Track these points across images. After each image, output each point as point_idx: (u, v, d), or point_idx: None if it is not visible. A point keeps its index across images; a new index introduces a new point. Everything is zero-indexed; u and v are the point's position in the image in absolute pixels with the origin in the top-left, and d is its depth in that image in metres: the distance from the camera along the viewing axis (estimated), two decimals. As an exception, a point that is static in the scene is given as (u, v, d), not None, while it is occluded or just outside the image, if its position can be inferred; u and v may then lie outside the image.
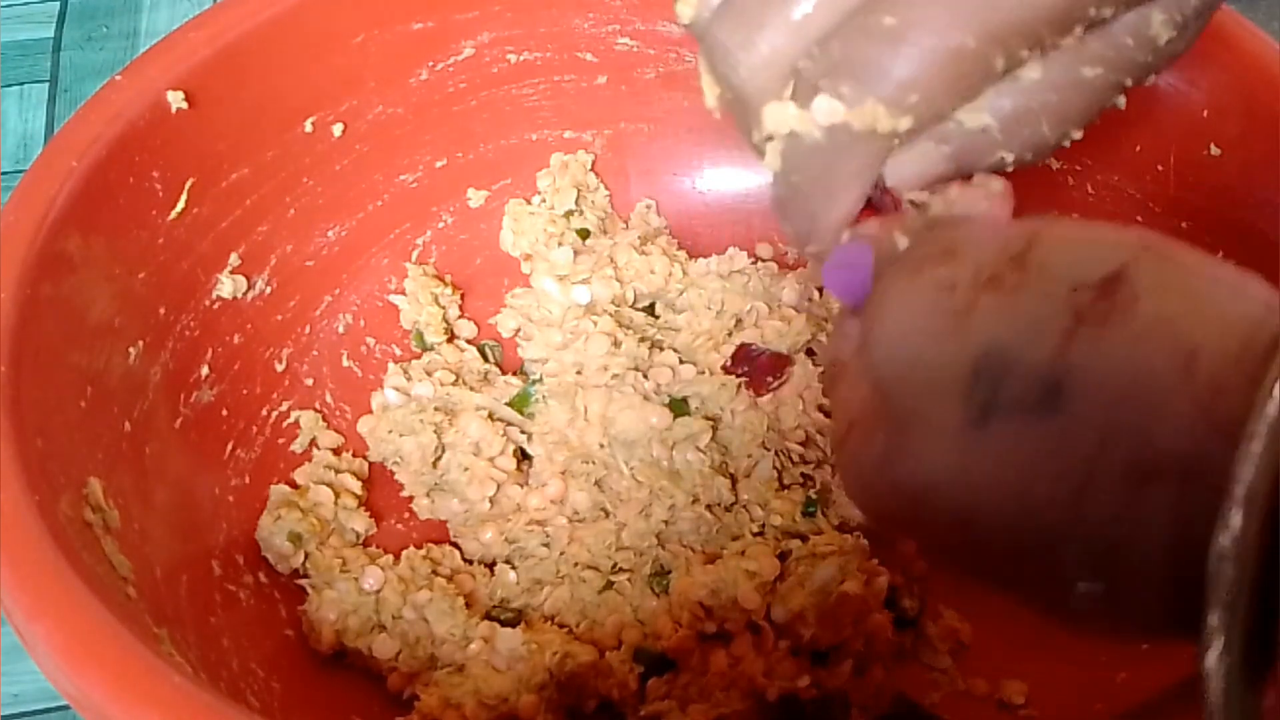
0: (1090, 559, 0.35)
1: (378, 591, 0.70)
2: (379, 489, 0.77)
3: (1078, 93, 0.46)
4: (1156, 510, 0.33)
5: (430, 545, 0.74)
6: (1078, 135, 0.48)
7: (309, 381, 0.78)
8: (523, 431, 0.77)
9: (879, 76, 0.42)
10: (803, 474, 0.75)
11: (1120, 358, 0.35)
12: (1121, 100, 0.48)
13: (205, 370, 0.71)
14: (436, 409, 0.77)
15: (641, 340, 0.78)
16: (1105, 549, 0.34)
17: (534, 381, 0.78)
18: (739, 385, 0.76)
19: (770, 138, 0.46)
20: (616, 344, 0.77)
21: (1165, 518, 0.33)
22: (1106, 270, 0.36)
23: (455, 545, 0.75)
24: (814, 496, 0.73)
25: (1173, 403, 0.33)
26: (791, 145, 0.45)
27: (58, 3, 1.18)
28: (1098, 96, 0.47)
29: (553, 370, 0.78)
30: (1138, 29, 0.45)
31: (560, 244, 0.83)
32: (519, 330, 0.82)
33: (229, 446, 0.73)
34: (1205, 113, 0.68)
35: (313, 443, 0.77)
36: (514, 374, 0.81)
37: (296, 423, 0.77)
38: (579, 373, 0.77)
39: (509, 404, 0.77)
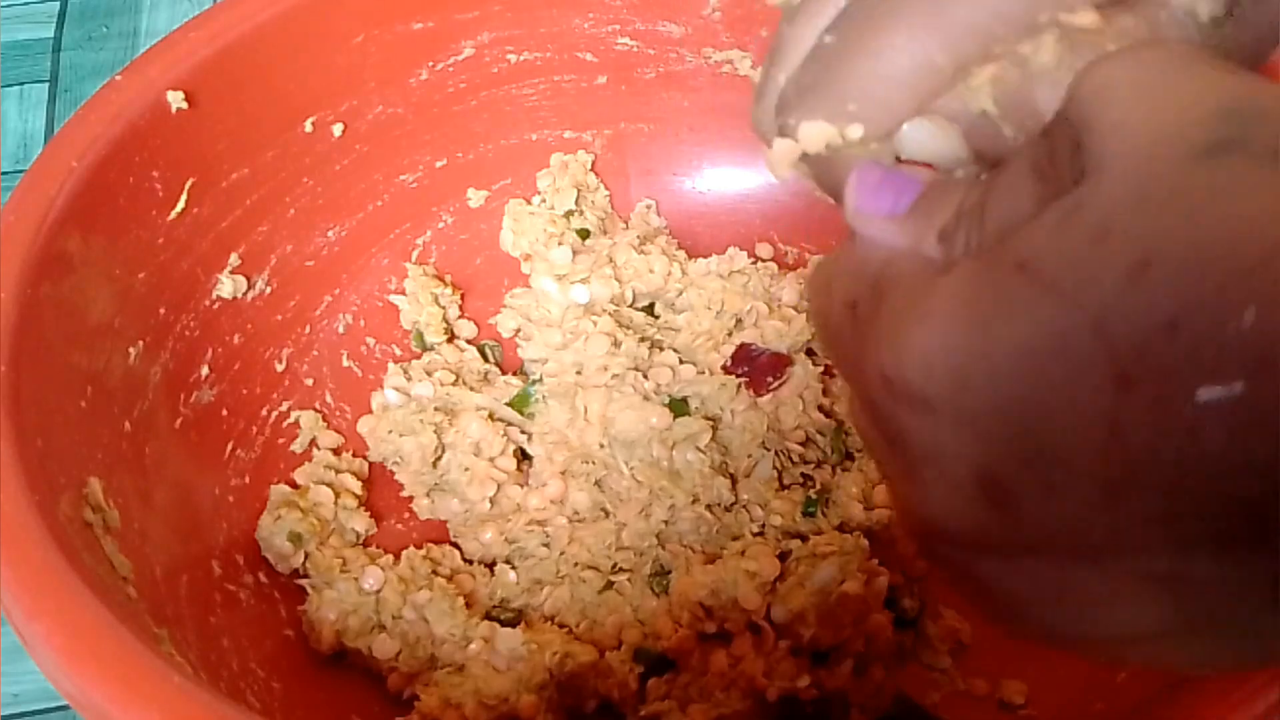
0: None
1: (378, 591, 0.70)
2: (379, 489, 0.77)
3: None
4: None
5: (430, 545, 0.74)
6: None
7: (309, 381, 0.78)
8: (523, 432, 0.77)
9: (809, 96, 0.44)
10: (803, 474, 0.75)
11: None
12: None
13: (205, 370, 0.71)
14: (437, 409, 0.77)
15: (641, 340, 0.78)
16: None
17: (534, 381, 0.78)
18: (739, 385, 0.76)
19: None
20: (616, 344, 0.77)
21: None
22: None
23: (455, 545, 0.75)
24: (814, 496, 0.73)
25: None
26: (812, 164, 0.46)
27: (58, 3, 1.18)
28: None
29: (552, 370, 0.78)
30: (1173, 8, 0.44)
31: (560, 244, 0.82)
32: (519, 330, 0.82)
33: (229, 446, 0.73)
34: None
35: (313, 443, 0.77)
36: (514, 374, 0.81)
37: (296, 423, 0.77)
38: (579, 373, 0.77)
39: (509, 404, 0.77)
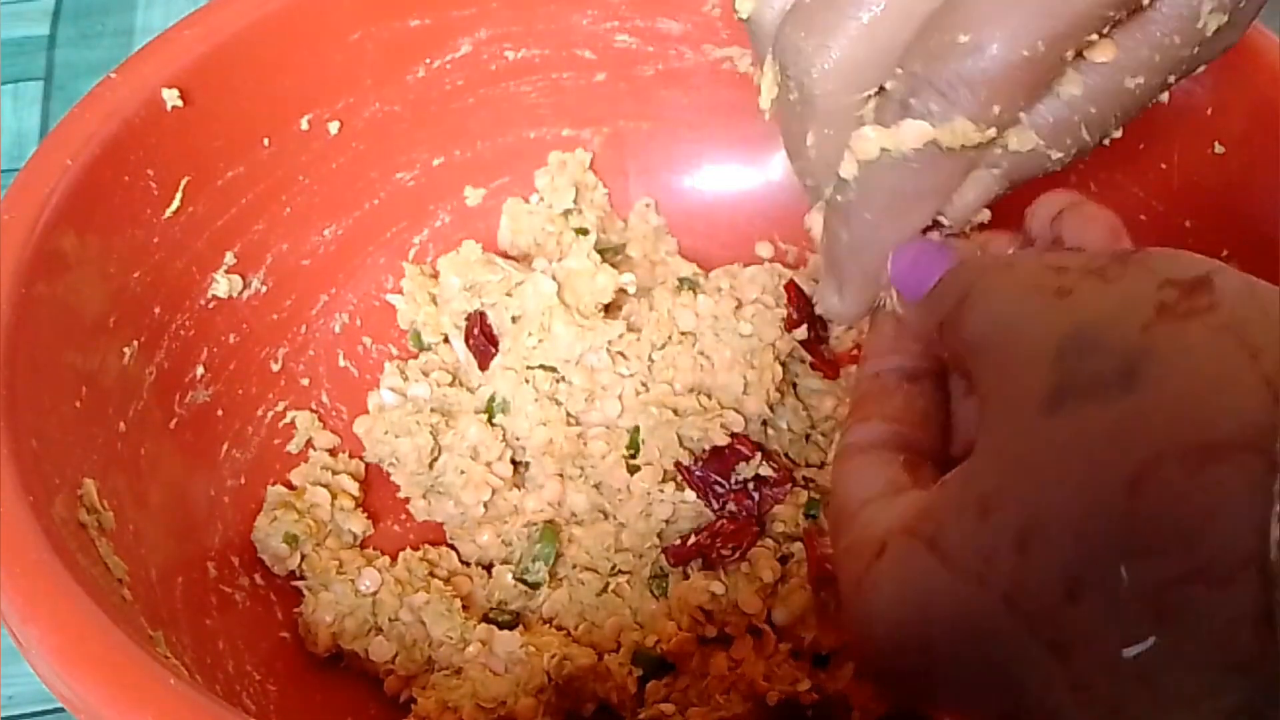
0: (1149, 551, 0.34)
1: (374, 593, 0.69)
2: (376, 490, 0.77)
3: (1119, 101, 0.46)
4: (1220, 486, 0.33)
5: (427, 547, 0.74)
6: (1118, 134, 0.48)
7: (305, 381, 0.78)
8: (516, 437, 0.77)
9: (964, 93, 0.43)
10: (804, 477, 0.75)
11: (1195, 345, 0.35)
12: (1165, 95, 0.48)
13: (200, 370, 0.71)
14: (433, 410, 0.77)
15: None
16: (1169, 535, 0.33)
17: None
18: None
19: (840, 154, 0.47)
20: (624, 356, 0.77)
21: (1231, 492, 0.32)
22: (1196, 274, 0.38)
23: (452, 547, 0.75)
24: (815, 499, 0.73)
25: (1241, 380, 0.34)
26: (871, 166, 0.46)
27: (52, 0, 1.18)
28: (1140, 100, 0.47)
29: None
30: (1184, 22, 0.45)
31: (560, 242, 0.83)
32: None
33: (224, 447, 0.73)
34: (1209, 110, 0.68)
35: (309, 443, 0.77)
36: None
37: (292, 423, 0.77)
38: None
39: (481, 411, 0.77)
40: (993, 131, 0.44)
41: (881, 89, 0.45)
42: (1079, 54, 0.44)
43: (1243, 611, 0.32)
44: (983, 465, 0.39)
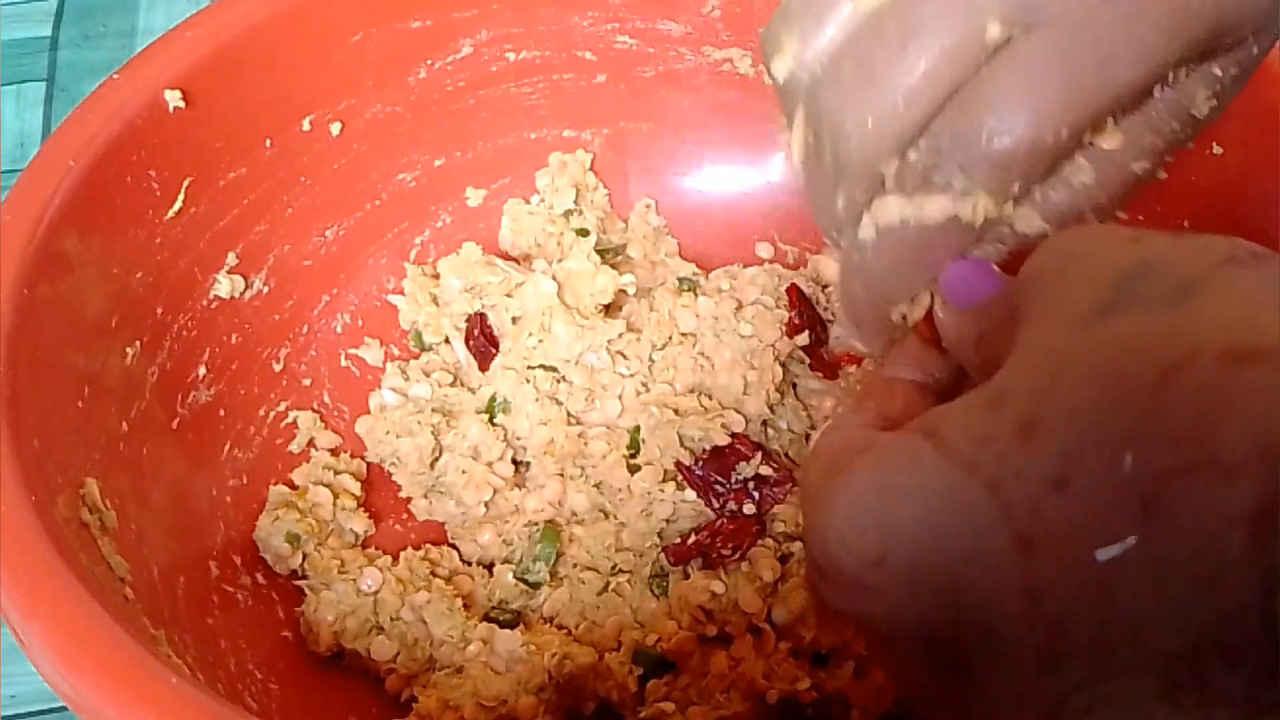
0: (1161, 440, 0.33)
1: (376, 593, 0.70)
2: (377, 489, 0.77)
3: (1124, 185, 0.47)
4: (1252, 384, 0.32)
5: (429, 546, 0.74)
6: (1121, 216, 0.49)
7: (307, 381, 0.78)
8: (517, 437, 0.77)
9: (987, 171, 0.44)
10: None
11: (1254, 281, 0.36)
12: (1162, 173, 0.49)
13: (202, 370, 0.71)
14: (434, 410, 0.77)
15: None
16: (1187, 425, 0.33)
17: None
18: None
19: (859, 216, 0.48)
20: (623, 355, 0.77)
21: (1260, 389, 0.32)
22: (1259, 250, 0.38)
23: (453, 546, 0.75)
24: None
25: None
26: (889, 231, 0.47)
27: (55, 1, 1.18)
28: (1140, 182, 0.48)
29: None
30: (1181, 109, 0.47)
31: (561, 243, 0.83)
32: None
33: (226, 447, 0.73)
34: (1207, 112, 0.68)
35: (310, 443, 0.77)
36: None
37: (294, 423, 0.77)
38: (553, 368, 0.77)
39: (481, 411, 0.77)
40: (1010, 206, 0.45)
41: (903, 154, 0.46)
42: (1089, 141, 0.45)
43: (1240, 509, 0.31)
44: (1005, 371, 0.38)
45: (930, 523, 0.37)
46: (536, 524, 0.73)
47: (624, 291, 0.79)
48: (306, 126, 0.75)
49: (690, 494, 0.73)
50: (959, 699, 0.38)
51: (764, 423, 0.77)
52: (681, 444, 0.73)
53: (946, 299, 0.48)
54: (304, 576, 0.71)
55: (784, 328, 0.77)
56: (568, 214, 0.84)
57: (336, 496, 0.74)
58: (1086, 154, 0.46)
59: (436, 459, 0.76)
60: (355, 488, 0.75)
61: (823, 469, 0.44)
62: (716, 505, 0.73)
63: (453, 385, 0.79)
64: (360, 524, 0.74)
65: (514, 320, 0.79)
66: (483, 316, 0.79)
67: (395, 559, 0.73)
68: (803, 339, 0.77)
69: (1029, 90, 0.43)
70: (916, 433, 0.40)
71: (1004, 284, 0.47)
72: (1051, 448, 0.35)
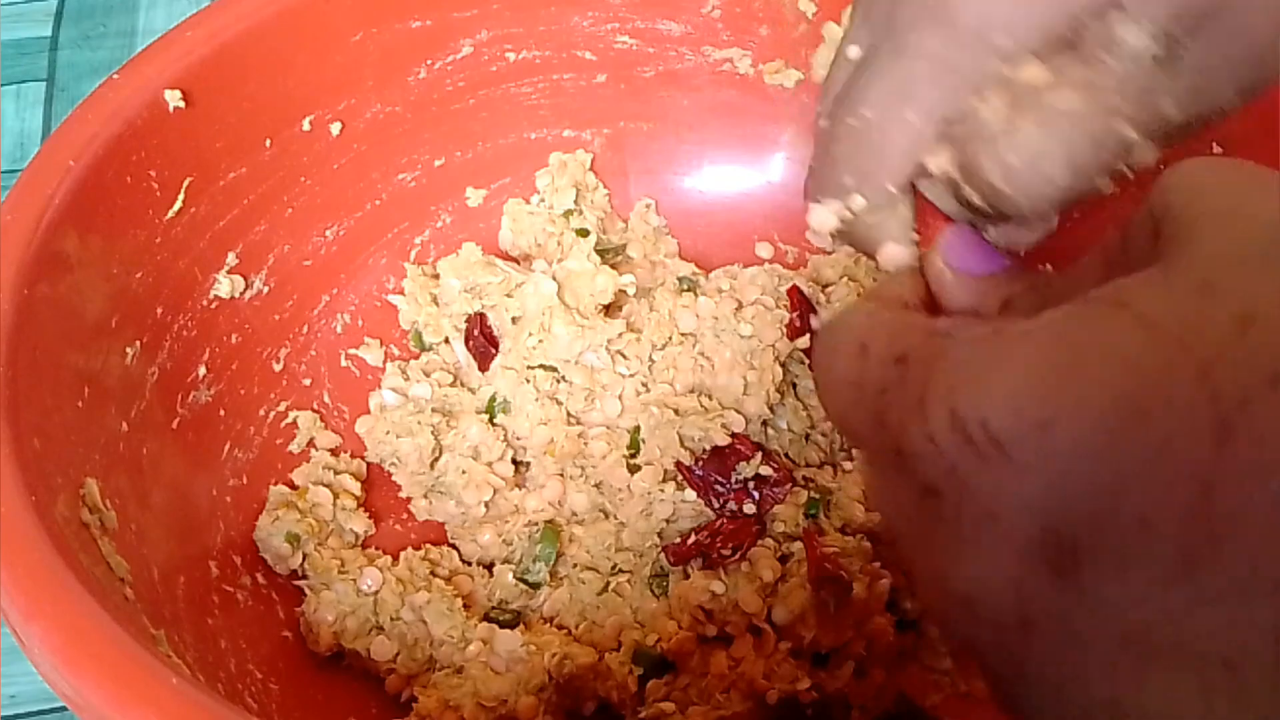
0: None
1: (376, 593, 0.70)
2: (377, 489, 0.77)
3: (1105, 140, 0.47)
4: None
5: (429, 546, 0.75)
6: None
7: (307, 381, 0.79)
8: (517, 437, 0.77)
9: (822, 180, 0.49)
10: (804, 477, 0.75)
11: None
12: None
13: (203, 370, 0.71)
14: (434, 410, 0.77)
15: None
16: None
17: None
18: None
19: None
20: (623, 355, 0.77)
21: None
22: None
23: (454, 546, 0.75)
24: (815, 498, 0.73)
25: None
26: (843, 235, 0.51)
27: (55, 2, 1.18)
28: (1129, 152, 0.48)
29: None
30: (1110, 43, 0.46)
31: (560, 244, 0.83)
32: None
33: (226, 447, 0.73)
34: (1207, 111, 0.68)
35: (310, 443, 0.77)
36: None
37: (294, 423, 0.77)
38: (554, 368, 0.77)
39: (482, 411, 0.77)
40: (859, 200, 0.49)
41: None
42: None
43: None
44: (1198, 258, 0.35)
45: (1122, 391, 0.34)
46: (536, 524, 0.73)
47: (624, 291, 0.79)
48: (306, 126, 0.75)
49: (690, 494, 0.73)
50: (1042, 604, 0.36)
51: (764, 423, 0.77)
52: (681, 444, 0.74)
53: (955, 266, 0.47)
54: (304, 576, 0.71)
55: (784, 328, 0.77)
56: (568, 214, 0.84)
57: (336, 496, 0.74)
58: (1001, 94, 0.46)
59: (436, 459, 0.76)
60: (355, 488, 0.75)
61: (856, 348, 0.43)
62: (716, 505, 0.73)
63: (453, 385, 0.79)
64: (360, 524, 0.74)
65: (514, 320, 0.78)
66: (482, 317, 0.79)
67: (395, 559, 0.73)
68: (804, 342, 0.77)
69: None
70: (1100, 304, 0.36)
71: (1005, 261, 0.47)
72: (1273, 346, 0.32)
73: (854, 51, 0.49)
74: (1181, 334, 0.33)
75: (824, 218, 0.50)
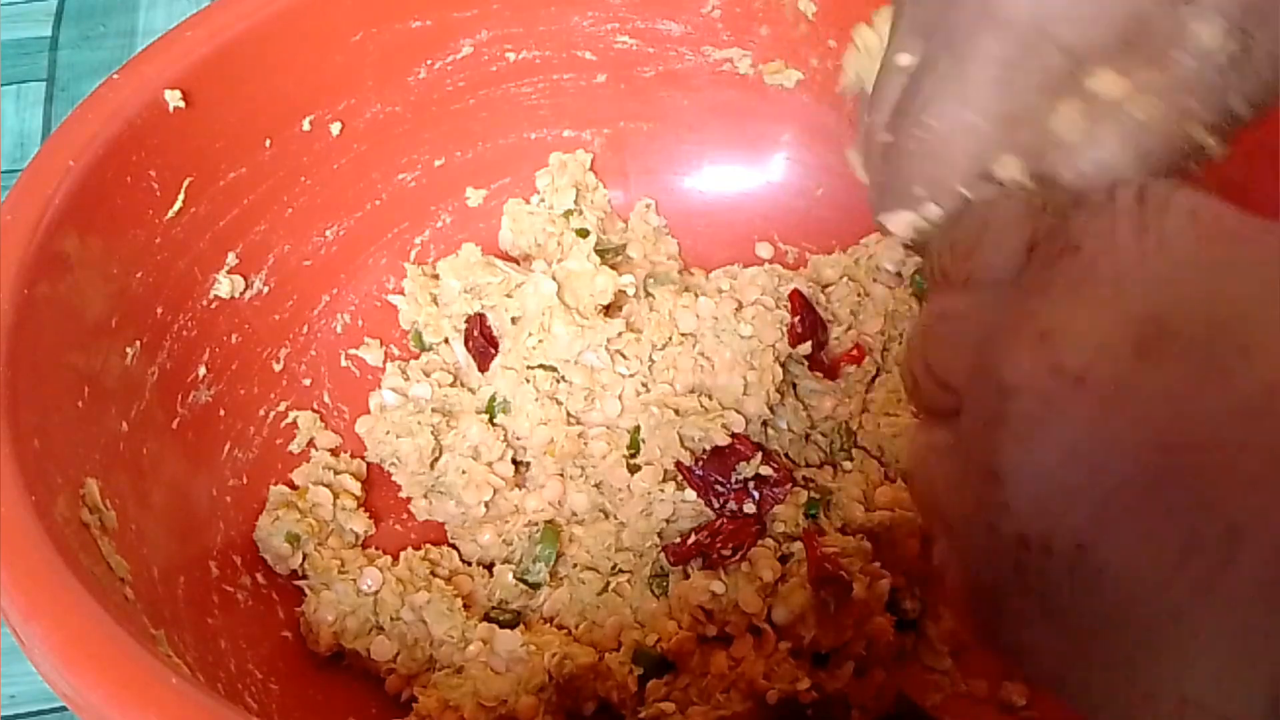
0: None
1: (376, 593, 0.70)
2: (377, 489, 0.78)
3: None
4: None
5: (429, 546, 0.75)
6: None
7: (307, 381, 0.79)
8: (517, 437, 0.77)
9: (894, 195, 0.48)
10: (804, 477, 0.75)
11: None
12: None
13: (203, 370, 0.71)
14: (434, 410, 0.77)
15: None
16: None
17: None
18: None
19: None
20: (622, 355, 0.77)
21: None
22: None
23: (454, 546, 0.75)
24: (815, 498, 0.73)
25: None
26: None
27: (55, 1, 1.18)
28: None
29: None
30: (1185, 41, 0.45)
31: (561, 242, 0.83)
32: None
33: (226, 447, 0.73)
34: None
35: (310, 443, 0.77)
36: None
37: (294, 423, 0.77)
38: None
39: (482, 411, 0.78)
40: (933, 209, 0.47)
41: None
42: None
43: None
44: None
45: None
46: (536, 524, 0.73)
47: (624, 291, 0.79)
48: (306, 126, 0.75)
49: (690, 494, 0.73)
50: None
51: (764, 423, 0.77)
52: (681, 444, 0.74)
53: None
54: (304, 576, 0.71)
55: (784, 329, 0.77)
56: (568, 214, 0.84)
57: (336, 496, 0.74)
58: (1075, 104, 0.45)
59: (436, 459, 0.76)
60: (355, 488, 0.76)
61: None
62: (716, 505, 0.73)
63: (453, 385, 0.79)
64: (360, 524, 0.74)
65: (514, 320, 0.79)
66: (482, 317, 0.79)
67: (395, 559, 0.73)
68: (805, 349, 0.77)
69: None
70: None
71: None
72: None
73: (905, 59, 0.48)
74: None
75: (901, 228, 0.49)
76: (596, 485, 0.74)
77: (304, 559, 0.71)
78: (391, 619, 0.69)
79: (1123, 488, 0.34)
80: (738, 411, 0.75)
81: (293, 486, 0.74)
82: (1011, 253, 0.42)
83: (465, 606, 0.70)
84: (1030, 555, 0.36)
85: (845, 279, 0.82)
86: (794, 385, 0.78)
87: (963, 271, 0.44)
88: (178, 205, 0.69)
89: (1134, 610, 0.34)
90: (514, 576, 0.72)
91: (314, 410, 0.78)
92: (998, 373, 0.38)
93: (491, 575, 0.74)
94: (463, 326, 0.80)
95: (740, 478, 0.73)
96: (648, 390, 0.76)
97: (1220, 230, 0.38)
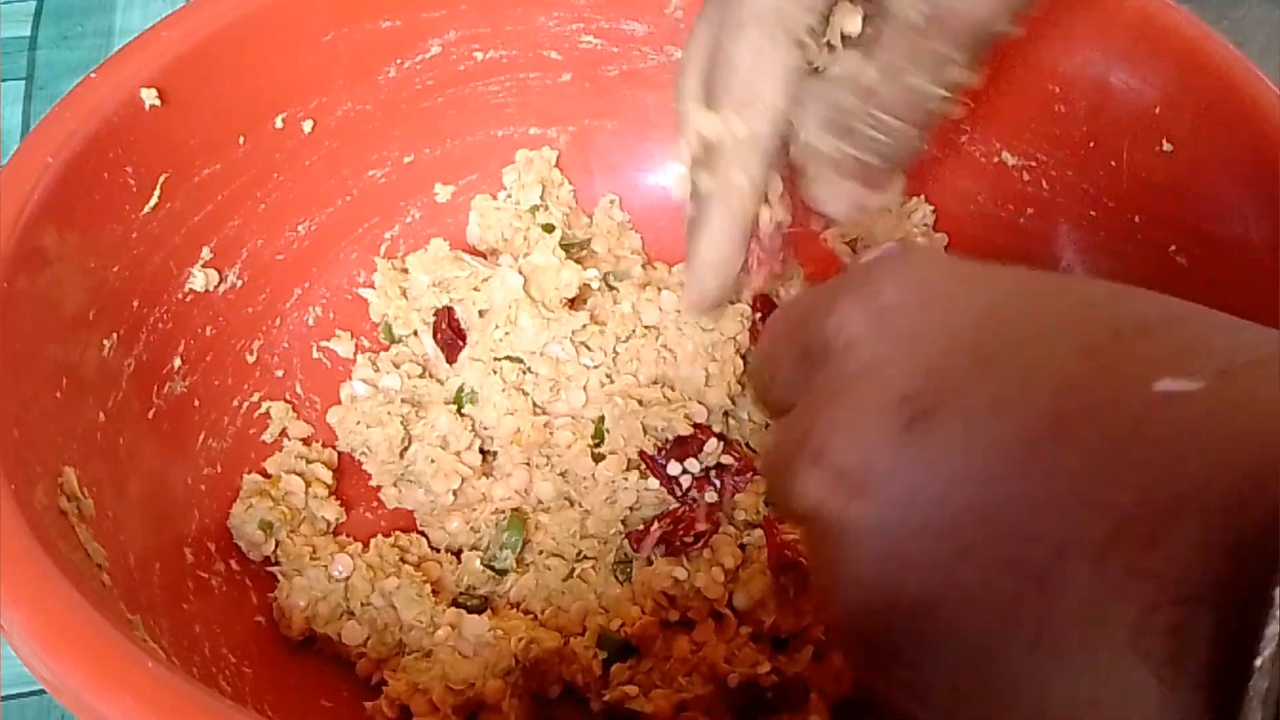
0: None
1: (347, 579, 0.70)
2: (348, 478, 0.78)
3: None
4: None
5: (398, 533, 0.75)
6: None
7: (279, 373, 0.79)
8: (485, 427, 0.78)
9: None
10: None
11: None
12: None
13: (178, 362, 0.72)
14: (404, 401, 0.78)
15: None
16: None
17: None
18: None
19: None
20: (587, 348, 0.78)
21: None
22: None
23: (422, 534, 0.76)
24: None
25: None
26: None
27: (34, 2, 1.19)
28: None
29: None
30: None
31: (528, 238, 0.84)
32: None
33: (201, 437, 0.73)
34: (1157, 109, 0.69)
35: (283, 433, 0.78)
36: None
37: (267, 413, 0.78)
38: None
39: (450, 402, 0.78)
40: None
41: None
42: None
43: None
44: None
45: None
46: (503, 512, 0.74)
47: (588, 285, 0.80)
48: (279, 124, 0.76)
49: (653, 482, 0.74)
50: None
51: (725, 413, 0.78)
52: (645, 434, 0.75)
53: None
54: (277, 563, 0.72)
55: (745, 322, 0.78)
56: (534, 209, 0.85)
57: (308, 485, 0.75)
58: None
59: (406, 448, 0.77)
60: (327, 476, 0.76)
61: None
62: (679, 493, 0.74)
63: (422, 377, 0.80)
64: (331, 512, 0.75)
65: (481, 313, 0.79)
66: (450, 310, 0.80)
67: (366, 546, 0.74)
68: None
69: None
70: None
71: None
72: None
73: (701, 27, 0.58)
74: None
75: (706, 126, 0.57)
76: (562, 474, 0.75)
77: (277, 546, 0.72)
78: (362, 604, 0.70)
79: (936, 565, 0.36)
80: (700, 402, 0.76)
81: (266, 475, 0.75)
82: (788, 383, 0.45)
83: (434, 592, 0.71)
84: (883, 620, 0.38)
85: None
86: (755, 377, 0.79)
87: (770, 409, 0.48)
88: (153, 201, 0.69)
89: (992, 648, 0.35)
90: (481, 563, 0.73)
91: (286, 401, 0.79)
92: (797, 503, 0.41)
93: (460, 562, 0.75)
94: (431, 319, 0.81)
95: (703, 466, 0.74)
96: (612, 381, 0.77)
97: (935, 293, 0.42)
